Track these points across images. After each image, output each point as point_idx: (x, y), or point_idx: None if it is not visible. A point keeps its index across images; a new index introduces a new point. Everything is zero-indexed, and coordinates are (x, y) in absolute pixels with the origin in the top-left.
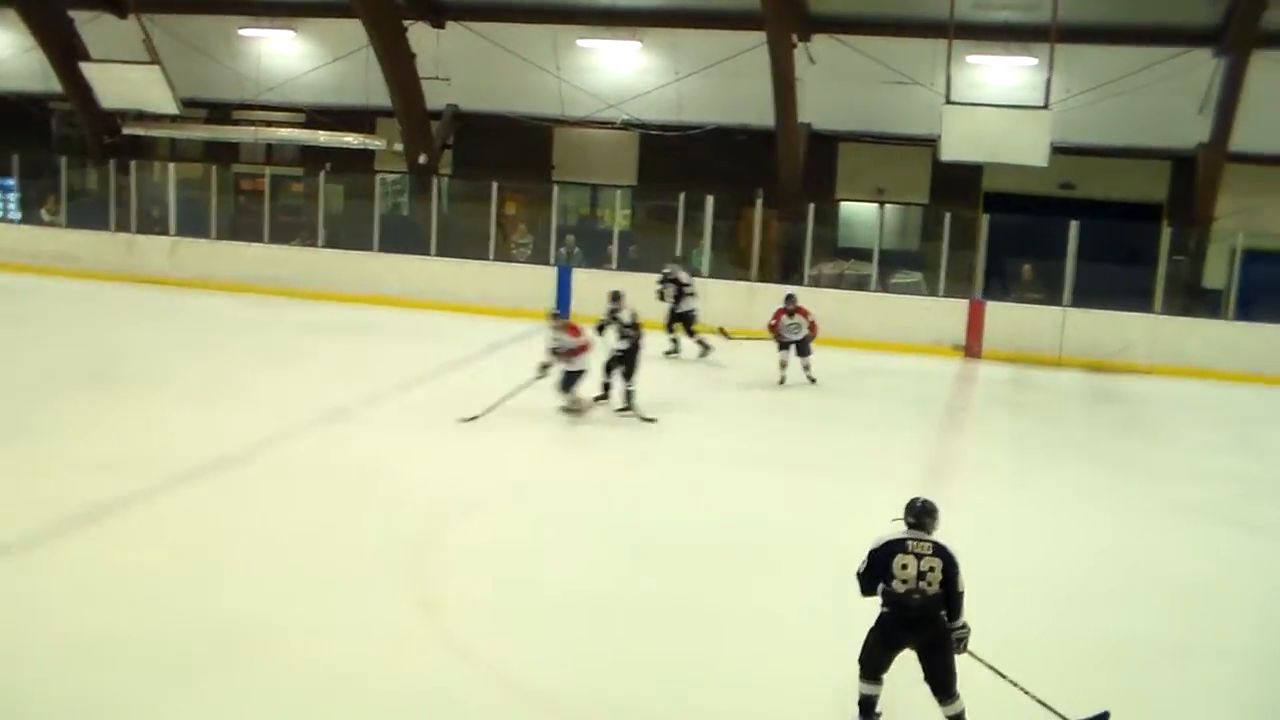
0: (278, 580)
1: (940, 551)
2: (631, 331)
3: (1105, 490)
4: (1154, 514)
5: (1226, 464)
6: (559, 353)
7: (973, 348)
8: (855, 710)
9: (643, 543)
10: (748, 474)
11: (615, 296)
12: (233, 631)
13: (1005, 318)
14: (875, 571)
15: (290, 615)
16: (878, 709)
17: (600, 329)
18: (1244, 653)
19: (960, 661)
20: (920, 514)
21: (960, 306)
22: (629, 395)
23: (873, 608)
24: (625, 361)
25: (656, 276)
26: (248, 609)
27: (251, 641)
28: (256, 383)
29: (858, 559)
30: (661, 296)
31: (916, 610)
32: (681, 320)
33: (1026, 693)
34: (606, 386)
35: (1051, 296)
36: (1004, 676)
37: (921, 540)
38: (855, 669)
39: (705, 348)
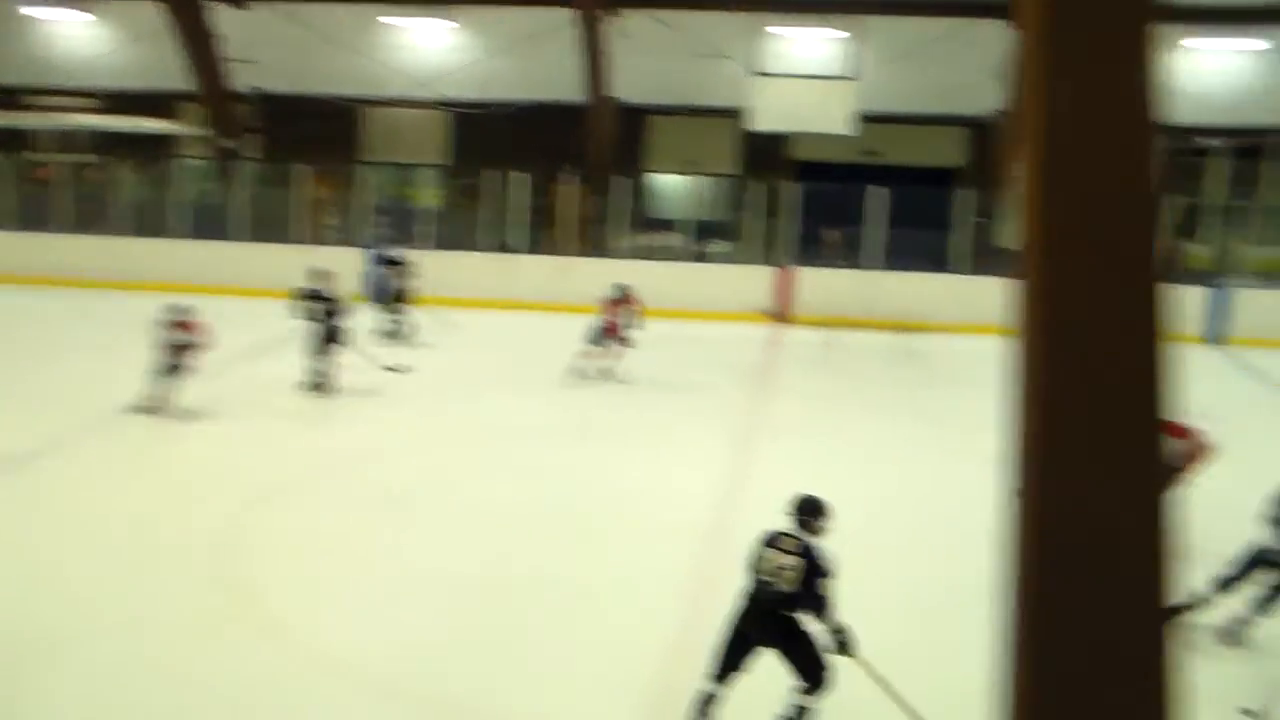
0: (95, 577)
1: (806, 553)
2: (335, 306)
3: (916, 442)
4: (965, 463)
5: None
6: (174, 348)
7: (783, 313)
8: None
9: (461, 519)
10: (559, 445)
11: (322, 275)
12: (50, 629)
13: (815, 283)
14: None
15: (109, 611)
16: (712, 711)
17: (297, 310)
18: None
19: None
20: (800, 512)
21: (770, 274)
22: (325, 374)
23: (702, 578)
24: (334, 339)
25: (367, 254)
26: (63, 606)
27: (69, 639)
28: (55, 378)
29: (676, 524)
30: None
31: (763, 602)
32: (399, 299)
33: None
34: (318, 373)
35: (858, 261)
36: (889, 691)
37: (794, 538)
38: (680, 639)
39: (409, 328)
